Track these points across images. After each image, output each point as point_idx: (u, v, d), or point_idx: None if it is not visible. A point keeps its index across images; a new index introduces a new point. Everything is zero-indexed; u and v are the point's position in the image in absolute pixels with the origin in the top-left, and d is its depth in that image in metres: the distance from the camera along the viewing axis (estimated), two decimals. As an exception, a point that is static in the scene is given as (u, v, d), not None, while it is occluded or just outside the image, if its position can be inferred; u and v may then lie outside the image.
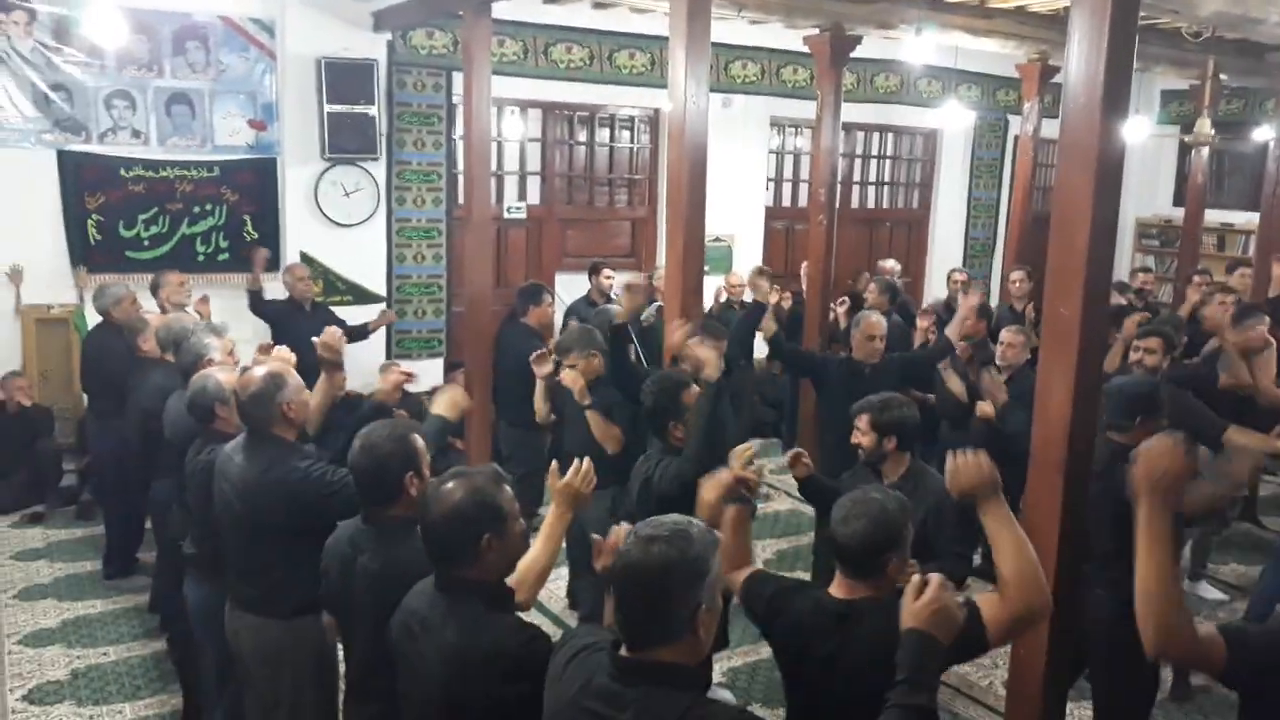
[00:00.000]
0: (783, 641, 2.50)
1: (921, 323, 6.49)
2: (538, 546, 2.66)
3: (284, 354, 3.80)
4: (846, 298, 7.17)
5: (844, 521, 2.39)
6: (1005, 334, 5.53)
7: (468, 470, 2.35)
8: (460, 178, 7.79)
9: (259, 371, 3.26)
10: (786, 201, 10.02)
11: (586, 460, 2.75)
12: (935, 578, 2.07)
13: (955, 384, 5.48)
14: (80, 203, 6.94)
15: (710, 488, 2.63)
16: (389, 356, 7.82)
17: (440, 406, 3.38)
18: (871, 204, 10.64)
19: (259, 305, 6.83)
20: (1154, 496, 2.08)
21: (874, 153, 10.54)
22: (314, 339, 3.68)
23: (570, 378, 4.63)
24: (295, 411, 3.23)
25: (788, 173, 10.00)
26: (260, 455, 3.16)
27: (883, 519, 2.36)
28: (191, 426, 3.64)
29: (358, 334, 7.19)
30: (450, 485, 2.27)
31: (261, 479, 3.10)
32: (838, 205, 7.61)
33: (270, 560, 3.14)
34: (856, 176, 10.44)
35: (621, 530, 2.36)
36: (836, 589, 2.42)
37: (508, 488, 2.32)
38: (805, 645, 2.39)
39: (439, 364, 8.15)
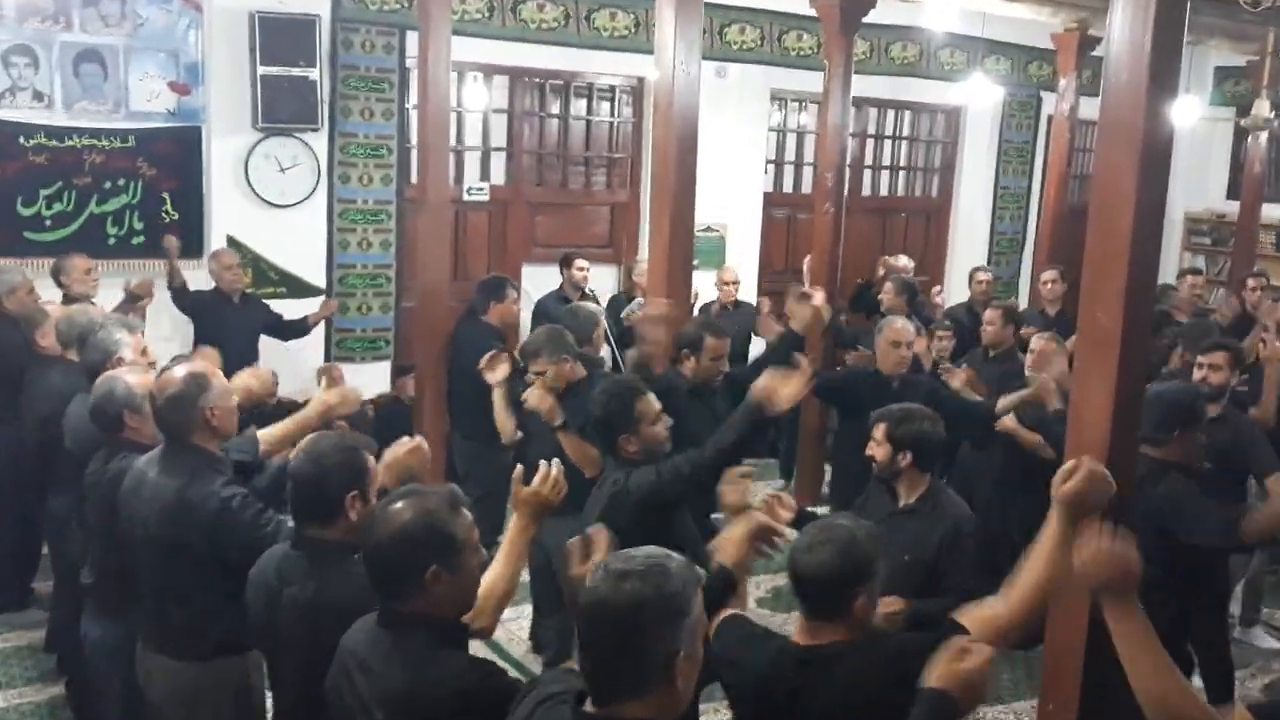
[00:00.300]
0: (738, 692, 2.51)
1: (919, 345, 6.14)
2: (498, 565, 2.67)
3: (207, 352, 3.81)
4: (818, 288, 6.86)
5: (808, 550, 2.38)
6: (1036, 341, 5.55)
7: (421, 489, 2.34)
8: (413, 153, 7.76)
9: (179, 371, 3.24)
10: (788, 187, 10.04)
11: (555, 465, 2.75)
12: (985, 649, 2.10)
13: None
14: (-28, 175, 6.87)
15: (741, 526, 2.64)
16: (329, 358, 7.77)
17: (313, 409, 3.39)
18: (885, 191, 10.68)
19: (183, 300, 6.83)
20: (1114, 601, 2.19)
21: (888, 132, 10.58)
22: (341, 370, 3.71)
23: (536, 398, 4.56)
24: (220, 419, 3.22)
25: (790, 154, 10.03)
26: (179, 467, 3.14)
27: (850, 549, 2.36)
28: (96, 435, 3.60)
29: (296, 329, 7.17)
30: (399, 505, 2.27)
31: (181, 495, 3.08)
32: (846, 192, 7.64)
33: (188, 591, 3.12)
34: (868, 159, 10.48)
35: (600, 534, 2.37)
36: (800, 635, 2.42)
37: (466, 513, 2.32)
38: (764, 695, 2.40)
39: (385, 367, 8.11)
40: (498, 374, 5.02)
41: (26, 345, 5.08)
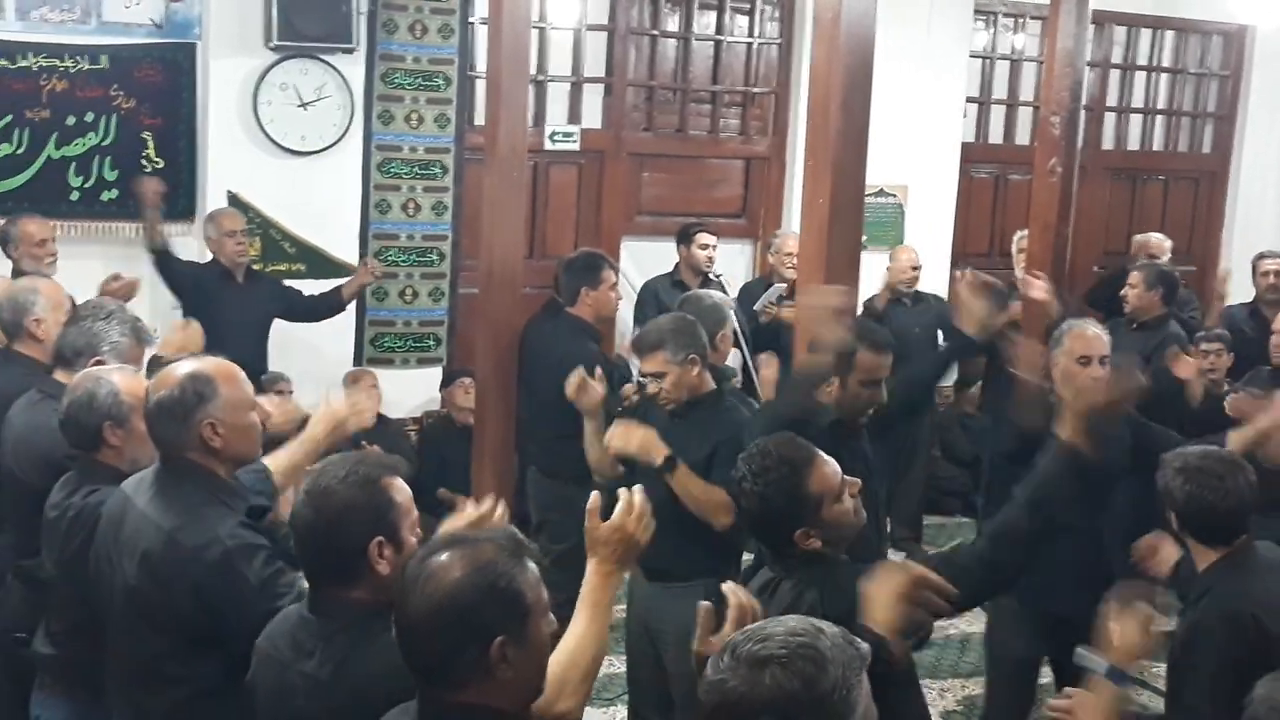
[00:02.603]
0: None
1: (1183, 370, 6.31)
2: (579, 625, 2.72)
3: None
4: (1036, 278, 6.58)
5: None
6: None
7: (467, 536, 2.40)
8: (480, 84, 7.87)
9: (179, 370, 3.35)
10: (996, 136, 9.99)
11: (637, 493, 2.80)
12: None
13: None
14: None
15: (890, 579, 2.68)
16: (359, 361, 7.95)
17: (318, 426, 3.62)
18: (1136, 144, 10.56)
19: (169, 267, 6.96)
20: None
21: (1142, 61, 10.45)
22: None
23: (634, 441, 4.57)
24: (225, 440, 3.31)
25: (999, 90, 9.97)
26: (174, 498, 3.24)
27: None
28: (53, 453, 3.77)
29: (325, 306, 7.27)
30: (444, 558, 2.31)
31: (172, 539, 3.17)
32: (1081, 144, 7.54)
33: (168, 673, 3.21)
34: (1112, 99, 10.37)
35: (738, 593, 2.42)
36: None
37: (532, 565, 2.36)
38: None
39: (435, 374, 8.21)
40: (588, 400, 5.05)
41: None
